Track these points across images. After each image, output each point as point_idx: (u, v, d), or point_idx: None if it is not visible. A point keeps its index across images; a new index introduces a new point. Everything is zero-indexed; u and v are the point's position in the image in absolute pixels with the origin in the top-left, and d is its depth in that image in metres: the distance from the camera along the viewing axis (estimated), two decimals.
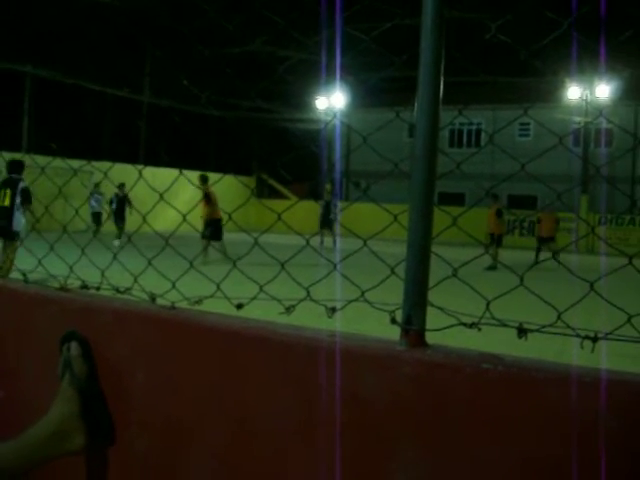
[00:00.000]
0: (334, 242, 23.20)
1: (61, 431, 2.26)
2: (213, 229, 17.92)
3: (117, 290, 2.63)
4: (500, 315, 1.90)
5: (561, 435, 1.64)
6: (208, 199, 17.66)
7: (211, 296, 2.40)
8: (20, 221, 12.04)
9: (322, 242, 23.43)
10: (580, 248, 25.06)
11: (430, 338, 1.93)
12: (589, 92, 29.59)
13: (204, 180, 17.70)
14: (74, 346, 2.40)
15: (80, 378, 2.36)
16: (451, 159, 2.27)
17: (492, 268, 17.50)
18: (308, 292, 2.23)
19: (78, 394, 2.32)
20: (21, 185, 12.17)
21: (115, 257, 2.78)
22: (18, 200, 11.95)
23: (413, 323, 1.90)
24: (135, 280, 2.59)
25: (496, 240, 19.54)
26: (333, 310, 2.13)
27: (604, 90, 29.33)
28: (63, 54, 30.57)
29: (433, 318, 2.01)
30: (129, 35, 32.82)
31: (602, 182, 31.14)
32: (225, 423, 2.18)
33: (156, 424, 2.35)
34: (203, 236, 17.62)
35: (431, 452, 1.82)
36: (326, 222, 23.67)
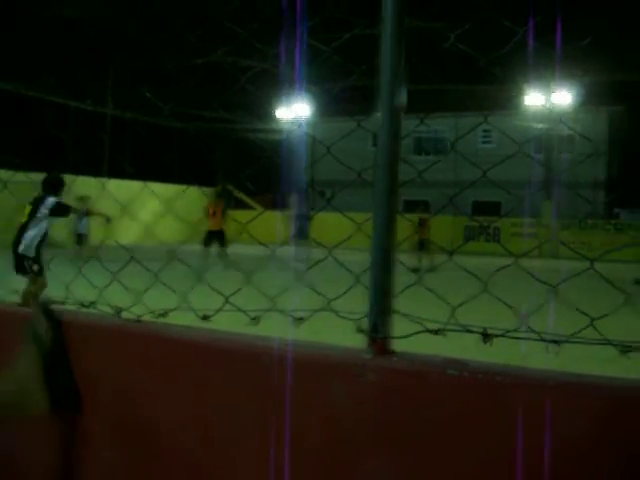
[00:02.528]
0: (303, 252, 23.14)
1: (22, 390, 2.20)
2: (222, 237, 19.35)
3: (82, 304, 2.60)
4: (466, 321, 1.92)
5: (527, 438, 1.66)
6: (215, 213, 19.44)
7: (176, 308, 2.39)
8: (31, 244, 9.35)
9: (298, 253, 23.30)
10: (544, 253, 25.33)
11: (397, 345, 1.94)
12: (550, 99, 29.99)
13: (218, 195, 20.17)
14: (39, 312, 2.35)
15: (43, 338, 2.30)
16: (414, 167, 2.29)
17: (416, 270, 17.40)
18: (274, 302, 2.23)
19: (40, 354, 2.27)
20: (50, 200, 9.57)
21: (80, 271, 2.76)
22: (40, 215, 9.44)
23: (379, 331, 1.91)
24: (100, 294, 2.57)
25: (425, 245, 19.52)
26: (299, 320, 2.13)
27: (565, 96, 29.74)
28: (24, 66, 30.25)
29: (399, 325, 2.02)
30: (92, 47, 32.58)
31: (564, 187, 31.53)
32: (194, 433, 2.17)
33: (123, 436, 2.33)
34: (206, 244, 18.58)
35: (398, 458, 1.82)
36: (301, 233, 23.66)
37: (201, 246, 18.28)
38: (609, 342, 1.83)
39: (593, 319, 1.88)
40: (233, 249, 17.66)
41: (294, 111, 30.70)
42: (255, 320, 2.20)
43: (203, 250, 18.26)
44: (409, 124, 1.94)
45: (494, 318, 2.26)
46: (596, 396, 1.63)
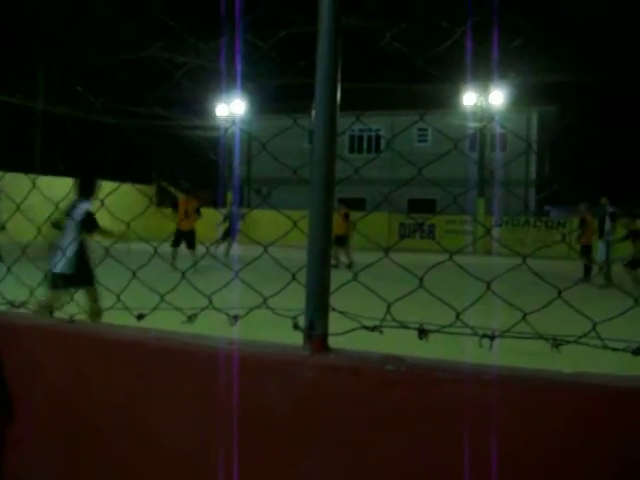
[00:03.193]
0: (230, 250, 22.39)
1: None
2: (193, 238, 17.76)
3: (12, 304, 2.54)
4: (404, 317, 1.93)
5: (462, 431, 1.68)
6: (187, 212, 17.79)
7: (111, 307, 2.35)
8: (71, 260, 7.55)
9: (227, 253, 22.57)
10: (477, 249, 25.74)
11: (335, 342, 1.94)
12: (483, 98, 30.48)
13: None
14: None
15: None
16: (350, 164, 2.30)
17: (335, 267, 17.25)
18: (210, 301, 2.21)
19: None
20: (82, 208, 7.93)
21: (9, 270, 2.69)
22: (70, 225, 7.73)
23: (316, 328, 1.91)
24: (31, 294, 2.51)
25: (341, 241, 19.19)
26: (235, 318, 2.12)
27: (498, 96, 30.26)
28: None
29: (337, 322, 2.03)
30: (23, 40, 31.81)
31: (498, 185, 32.11)
32: (130, 432, 2.14)
33: (58, 438, 2.28)
34: (175, 244, 17.01)
35: (337, 453, 1.83)
36: (231, 232, 22.81)
37: (170, 246, 16.85)
38: (540, 336, 1.87)
39: (525, 314, 1.92)
40: (167, 247, 17.15)
41: (230, 108, 30.46)
42: (191, 319, 2.18)
43: (172, 250, 16.85)
44: (345, 122, 1.94)
45: (431, 314, 2.29)
46: (528, 388, 1.67)
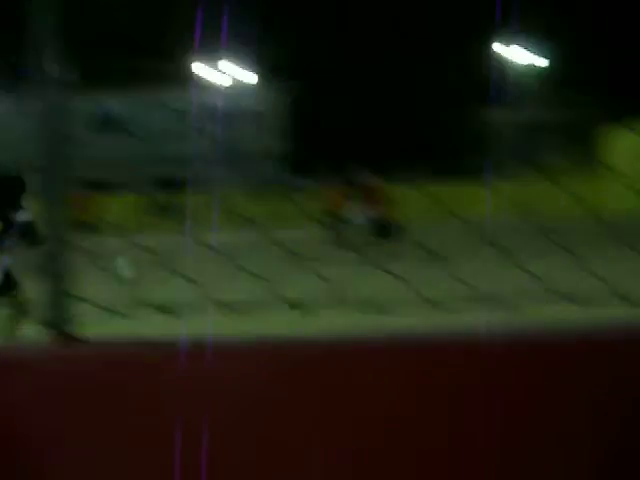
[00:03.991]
0: None
1: None
2: None
3: None
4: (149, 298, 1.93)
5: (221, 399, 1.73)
6: None
7: None
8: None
9: None
10: (224, 223, 25.99)
11: (84, 331, 1.89)
12: (227, 75, 30.45)
13: None
14: None
15: None
16: (87, 146, 2.22)
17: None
18: None
19: None
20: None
21: None
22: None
23: (62, 320, 1.84)
24: None
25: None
26: None
27: (246, 73, 30.38)
28: None
29: (85, 311, 1.98)
30: None
31: (244, 159, 32.48)
32: None
33: None
34: None
35: (96, 443, 1.79)
36: None
37: None
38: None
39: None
40: None
41: None
42: None
43: None
44: (84, 104, 1.87)
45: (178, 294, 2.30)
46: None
